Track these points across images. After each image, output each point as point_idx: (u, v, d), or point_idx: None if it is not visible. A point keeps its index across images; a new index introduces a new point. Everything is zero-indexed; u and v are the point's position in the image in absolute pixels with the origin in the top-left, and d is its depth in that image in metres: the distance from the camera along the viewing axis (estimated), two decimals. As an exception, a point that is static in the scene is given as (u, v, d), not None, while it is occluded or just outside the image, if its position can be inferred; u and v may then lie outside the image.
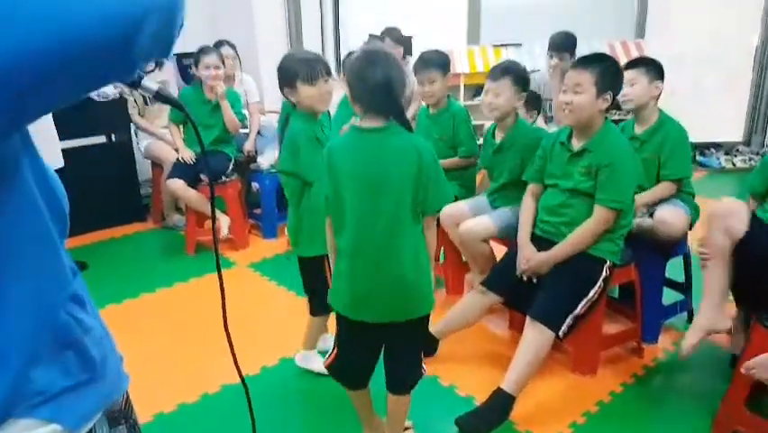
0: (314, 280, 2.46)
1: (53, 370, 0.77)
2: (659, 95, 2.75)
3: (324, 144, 2.25)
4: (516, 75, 2.73)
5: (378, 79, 1.66)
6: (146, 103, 4.39)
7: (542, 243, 2.44)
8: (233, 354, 1.20)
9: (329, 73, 2.32)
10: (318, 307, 2.50)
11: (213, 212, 1.23)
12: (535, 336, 2.25)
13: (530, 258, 2.41)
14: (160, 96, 0.96)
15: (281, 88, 2.33)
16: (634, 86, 2.71)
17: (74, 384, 0.79)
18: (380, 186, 1.71)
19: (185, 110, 0.99)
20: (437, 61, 3.11)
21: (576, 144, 2.39)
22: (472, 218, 2.87)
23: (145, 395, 2.46)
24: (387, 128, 1.72)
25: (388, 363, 1.94)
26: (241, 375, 1.22)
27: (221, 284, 1.14)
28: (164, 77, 4.42)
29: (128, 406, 0.93)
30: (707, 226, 2.28)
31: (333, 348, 1.99)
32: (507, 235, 2.75)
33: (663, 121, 2.74)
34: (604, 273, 2.34)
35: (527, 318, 2.30)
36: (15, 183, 0.72)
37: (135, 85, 0.90)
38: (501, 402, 2.20)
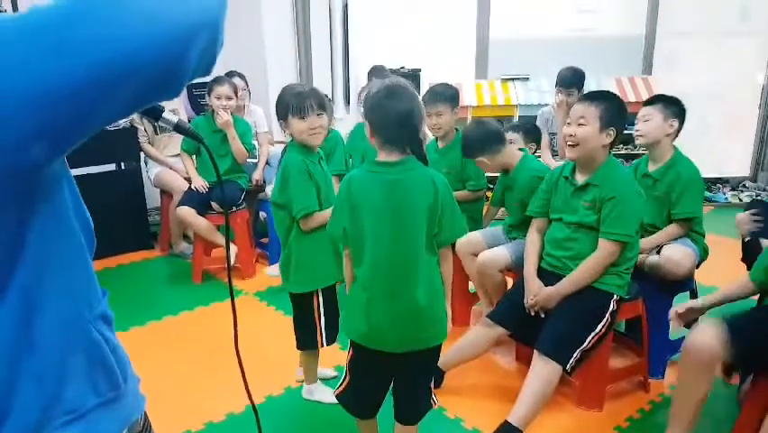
0: (301, 315, 2.47)
1: (84, 388, 0.79)
2: (674, 133, 2.74)
3: (316, 178, 2.28)
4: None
5: (398, 112, 1.69)
6: (156, 132, 4.45)
7: (548, 276, 2.45)
8: (245, 380, 1.20)
9: (322, 108, 2.33)
10: (303, 342, 2.50)
11: (227, 241, 1.25)
12: (543, 369, 2.25)
13: (537, 293, 2.41)
14: (180, 129, 0.98)
15: (278, 119, 2.38)
16: (647, 122, 2.72)
17: (103, 402, 0.81)
18: (398, 219, 1.73)
19: (203, 142, 1.01)
20: (446, 95, 3.16)
21: (580, 178, 2.41)
22: (490, 249, 2.90)
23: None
24: (404, 162, 1.75)
25: (399, 393, 1.95)
26: (252, 401, 1.22)
27: (233, 310, 1.15)
28: (174, 105, 4.48)
29: (147, 426, 0.94)
30: (681, 365, 2.05)
31: (345, 377, 1.99)
32: (520, 266, 2.75)
33: (676, 160, 2.74)
34: (612, 307, 2.33)
35: (535, 352, 2.29)
36: (56, 203, 0.75)
37: (156, 117, 0.93)
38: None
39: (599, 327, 2.31)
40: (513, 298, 2.56)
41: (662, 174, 2.73)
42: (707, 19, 5.72)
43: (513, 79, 5.71)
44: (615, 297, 2.35)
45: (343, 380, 2.00)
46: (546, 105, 4.71)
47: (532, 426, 2.25)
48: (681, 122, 2.76)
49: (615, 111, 2.33)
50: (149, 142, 4.45)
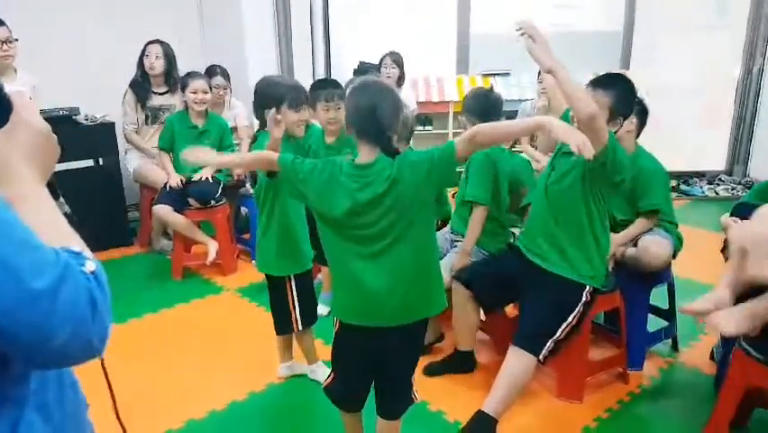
0: (275, 298, 2.51)
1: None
2: (635, 130, 2.76)
3: None
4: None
5: (365, 106, 1.73)
6: (147, 122, 4.39)
7: (530, 267, 2.46)
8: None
9: (308, 102, 2.46)
10: (281, 327, 2.55)
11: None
12: (517, 359, 2.27)
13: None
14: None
15: (261, 108, 2.38)
16: None
17: None
18: (386, 216, 1.73)
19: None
20: None
21: None
22: None
23: (129, 422, 2.43)
24: (377, 161, 1.74)
25: (381, 386, 1.95)
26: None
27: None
28: (172, 101, 4.43)
29: None
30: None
31: (331, 371, 2.01)
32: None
33: (637, 155, 2.76)
34: (584, 298, 2.33)
35: (510, 344, 2.32)
36: None
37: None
38: (483, 424, 2.20)
39: (571, 317, 2.31)
40: (484, 266, 2.63)
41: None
42: (684, 14, 5.78)
43: (494, 75, 5.74)
44: (588, 288, 2.34)
45: (330, 373, 2.02)
46: (527, 99, 4.74)
47: (512, 418, 2.28)
48: (643, 119, 2.78)
49: (625, 98, 2.27)
50: (136, 132, 4.39)
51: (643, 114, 2.78)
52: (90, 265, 0.77)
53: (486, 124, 1.82)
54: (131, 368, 2.80)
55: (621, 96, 2.26)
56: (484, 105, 2.74)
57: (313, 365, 2.66)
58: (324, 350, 2.82)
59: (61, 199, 0.98)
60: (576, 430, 2.35)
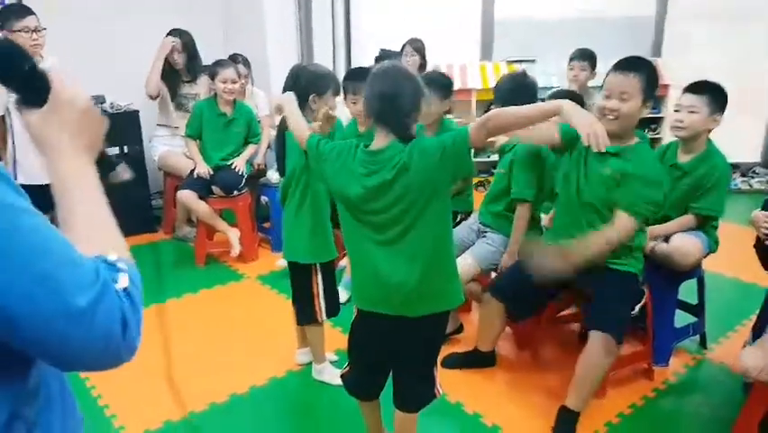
0: (300, 288, 2.50)
1: None
2: (715, 128, 2.58)
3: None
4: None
5: (385, 93, 1.69)
6: (176, 108, 4.40)
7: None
8: None
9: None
10: (302, 315, 2.53)
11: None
12: (604, 351, 2.19)
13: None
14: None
15: (306, 94, 2.33)
16: (692, 114, 2.53)
17: None
18: (398, 203, 1.71)
19: None
20: (435, 85, 2.94)
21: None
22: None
23: (152, 406, 2.45)
24: (388, 148, 1.71)
25: (397, 378, 1.93)
26: None
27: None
28: (198, 90, 4.44)
29: None
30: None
31: (349, 361, 2.00)
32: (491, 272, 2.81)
33: (710, 153, 2.58)
34: (645, 290, 2.37)
35: (593, 329, 2.23)
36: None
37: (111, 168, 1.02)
38: (565, 420, 2.26)
39: (637, 307, 2.33)
40: (517, 275, 2.52)
41: (693, 167, 2.59)
42: (718, 0, 5.61)
43: (519, 62, 5.64)
44: (639, 279, 2.35)
45: (348, 362, 2.01)
46: (554, 87, 4.65)
47: (535, 412, 2.24)
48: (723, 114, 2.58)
49: (653, 81, 2.22)
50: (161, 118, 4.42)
51: (725, 107, 2.59)
52: (123, 281, 0.78)
53: (502, 108, 1.76)
54: (151, 353, 2.81)
55: (651, 78, 2.20)
56: (513, 87, 2.66)
57: (319, 366, 2.63)
58: (343, 339, 2.81)
59: (123, 165, 0.99)
60: (598, 426, 2.31)
